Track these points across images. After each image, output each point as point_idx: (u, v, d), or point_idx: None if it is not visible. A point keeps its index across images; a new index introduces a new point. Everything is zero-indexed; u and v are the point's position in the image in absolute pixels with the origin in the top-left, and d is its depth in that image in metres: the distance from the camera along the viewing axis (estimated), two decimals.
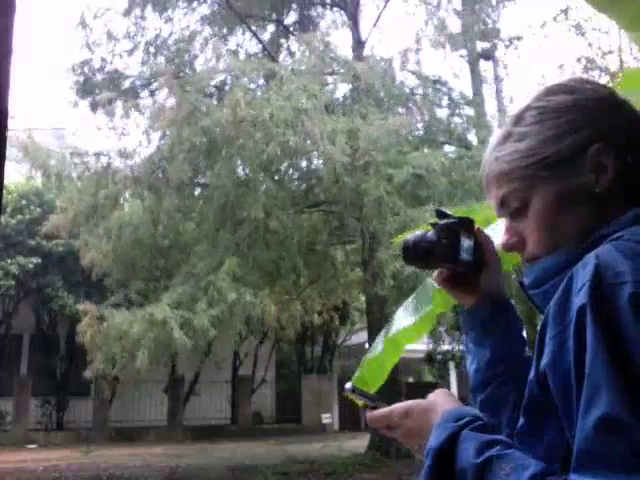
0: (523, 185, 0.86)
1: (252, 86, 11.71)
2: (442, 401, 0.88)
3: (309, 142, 10.42)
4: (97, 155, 12.54)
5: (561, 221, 0.83)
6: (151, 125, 11.51)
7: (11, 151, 11.98)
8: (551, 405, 0.71)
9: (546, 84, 0.93)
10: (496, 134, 0.93)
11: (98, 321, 10.76)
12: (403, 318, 2.08)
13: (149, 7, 14.34)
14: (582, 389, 0.65)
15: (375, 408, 0.93)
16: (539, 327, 0.74)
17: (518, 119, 0.88)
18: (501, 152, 0.88)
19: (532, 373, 0.75)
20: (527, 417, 0.77)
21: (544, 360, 0.71)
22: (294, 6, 15.45)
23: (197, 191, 12.78)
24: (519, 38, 15.69)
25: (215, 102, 12.60)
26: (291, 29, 15.46)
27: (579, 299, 0.68)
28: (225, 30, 15.05)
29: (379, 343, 2.09)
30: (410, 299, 2.09)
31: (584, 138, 0.82)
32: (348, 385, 0.96)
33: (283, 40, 15.53)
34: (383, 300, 12.17)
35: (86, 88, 13.79)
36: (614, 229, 0.77)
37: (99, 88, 13.59)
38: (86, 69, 13.94)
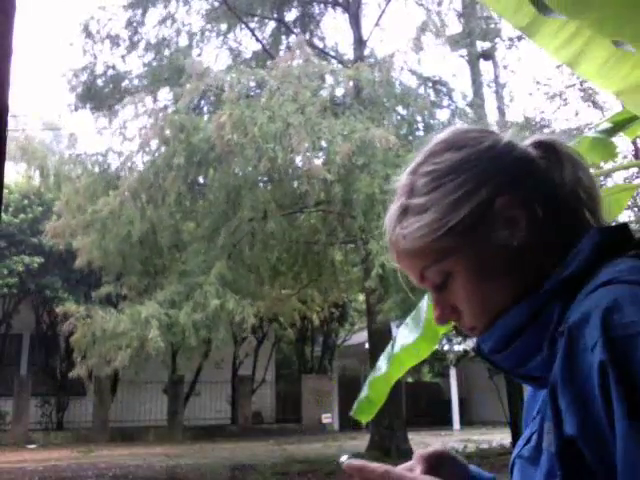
0: (439, 258, 0.78)
1: (244, 91, 11.62)
2: None
3: (297, 155, 10.47)
4: (95, 156, 12.53)
5: (488, 287, 0.77)
6: (143, 143, 11.57)
7: (10, 150, 11.97)
8: (588, 471, 0.64)
9: (423, 148, 0.85)
10: (392, 208, 0.85)
11: (84, 320, 10.87)
12: (404, 336, 2.12)
13: (148, 7, 14.32)
14: (617, 451, 0.60)
15: None
16: (547, 396, 0.69)
17: (410, 190, 0.82)
18: (407, 229, 0.80)
19: (553, 445, 0.66)
20: None
21: (570, 429, 0.64)
22: (295, 4, 15.41)
23: (194, 192, 12.75)
24: (520, 38, 15.66)
25: (207, 114, 12.65)
26: (292, 27, 15.44)
27: (596, 356, 0.62)
28: (225, 28, 15.01)
29: (383, 363, 2.14)
30: (409, 318, 2.14)
31: (484, 196, 0.77)
32: (344, 458, 0.79)
33: (284, 38, 15.48)
34: (382, 299, 12.14)
35: (86, 93, 13.74)
36: (576, 269, 0.72)
37: (99, 93, 13.57)
38: (86, 74, 13.89)
